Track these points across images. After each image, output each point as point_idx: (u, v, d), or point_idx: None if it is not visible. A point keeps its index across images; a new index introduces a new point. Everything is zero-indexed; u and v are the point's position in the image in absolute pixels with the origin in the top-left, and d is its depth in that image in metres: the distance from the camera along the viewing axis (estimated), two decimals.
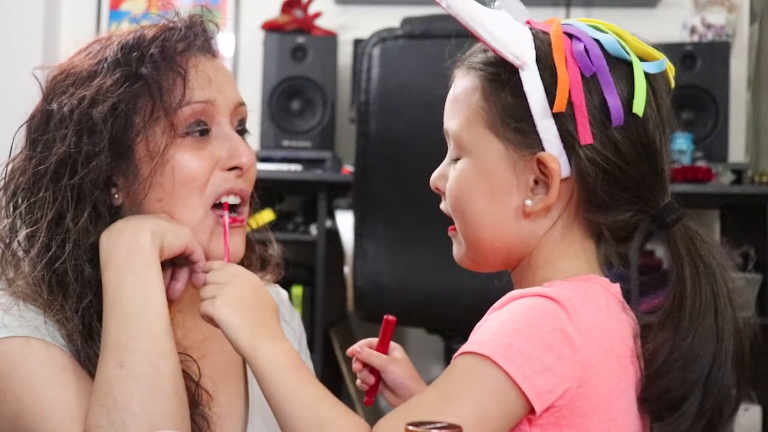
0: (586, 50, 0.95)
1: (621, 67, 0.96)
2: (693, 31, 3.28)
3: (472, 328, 0.94)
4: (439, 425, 0.72)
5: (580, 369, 0.89)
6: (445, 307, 2.19)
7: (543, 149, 0.96)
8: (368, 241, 2.21)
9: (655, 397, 0.94)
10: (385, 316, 1.12)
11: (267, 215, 2.10)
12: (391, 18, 2.54)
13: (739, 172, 2.97)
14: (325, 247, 2.97)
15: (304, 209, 3.17)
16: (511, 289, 0.99)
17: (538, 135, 0.96)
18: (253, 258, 1.23)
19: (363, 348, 1.13)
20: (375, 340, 1.13)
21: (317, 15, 3.36)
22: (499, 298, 0.95)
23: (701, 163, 2.89)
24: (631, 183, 0.96)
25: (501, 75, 0.97)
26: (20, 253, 1.10)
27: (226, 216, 1.09)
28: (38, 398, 1.01)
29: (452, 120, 1.01)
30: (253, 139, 2.46)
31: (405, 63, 2.17)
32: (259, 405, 1.15)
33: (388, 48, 2.17)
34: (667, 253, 0.98)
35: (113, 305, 1.01)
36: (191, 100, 1.08)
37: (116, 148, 1.06)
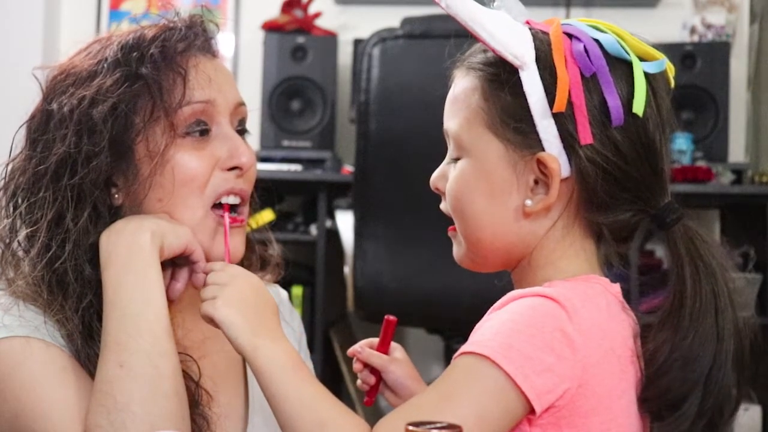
0: (586, 50, 0.95)
1: (621, 67, 0.96)
2: (693, 31, 3.28)
3: (472, 328, 0.94)
4: (439, 425, 0.72)
5: (580, 369, 0.89)
6: (445, 307, 2.19)
7: (543, 149, 0.96)
8: (368, 241, 2.21)
9: (656, 397, 0.94)
10: (385, 317, 1.12)
11: (267, 215, 2.10)
12: (391, 18, 2.54)
13: (739, 172, 2.97)
14: (325, 247, 2.97)
15: (304, 209, 3.17)
16: (511, 289, 0.99)
17: (537, 135, 0.95)
18: (253, 258, 1.23)
19: (363, 348, 1.13)
20: (375, 340, 1.13)
21: (317, 15, 3.36)
22: (499, 298, 0.95)
23: (701, 163, 2.89)
24: (631, 183, 0.96)
25: (501, 75, 0.97)
26: (20, 253, 1.10)
27: (227, 216, 1.09)
28: (38, 398, 1.01)
29: (452, 120, 1.01)
30: (253, 139, 2.46)
31: (405, 63, 2.17)
32: (259, 405, 1.15)
33: (388, 48, 2.16)
34: (667, 253, 0.97)
35: (113, 305, 1.01)
36: (191, 100, 1.08)
37: (116, 148, 1.06)
